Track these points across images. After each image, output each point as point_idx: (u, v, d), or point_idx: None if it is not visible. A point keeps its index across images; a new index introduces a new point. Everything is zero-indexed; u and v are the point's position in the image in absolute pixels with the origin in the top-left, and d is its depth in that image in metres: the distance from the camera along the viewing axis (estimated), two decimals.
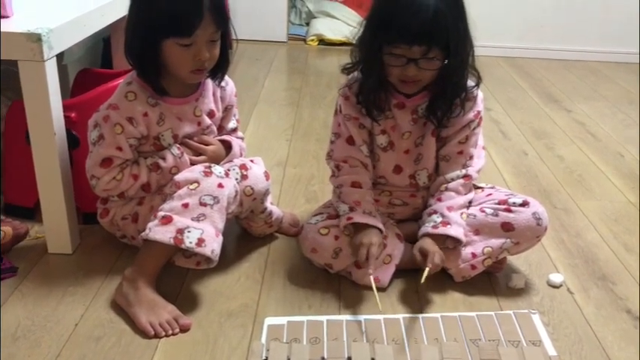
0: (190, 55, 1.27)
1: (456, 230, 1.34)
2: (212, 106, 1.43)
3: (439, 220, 1.35)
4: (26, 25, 1.29)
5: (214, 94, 1.44)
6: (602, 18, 3.65)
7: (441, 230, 1.33)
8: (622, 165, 2.17)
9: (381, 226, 1.36)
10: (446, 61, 1.28)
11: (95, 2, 1.58)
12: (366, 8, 4.48)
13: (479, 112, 1.40)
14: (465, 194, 1.41)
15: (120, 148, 1.33)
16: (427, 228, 1.35)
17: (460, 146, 1.41)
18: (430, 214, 1.38)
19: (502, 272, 1.45)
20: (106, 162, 1.34)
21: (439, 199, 1.40)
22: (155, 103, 1.35)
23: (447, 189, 1.40)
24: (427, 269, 1.26)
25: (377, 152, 1.44)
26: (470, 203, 1.43)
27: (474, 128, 1.41)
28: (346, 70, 1.41)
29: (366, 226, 1.34)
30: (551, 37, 3.73)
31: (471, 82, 1.36)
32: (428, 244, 1.31)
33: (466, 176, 1.41)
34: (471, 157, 1.42)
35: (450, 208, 1.37)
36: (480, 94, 1.39)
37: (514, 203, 1.39)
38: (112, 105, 1.33)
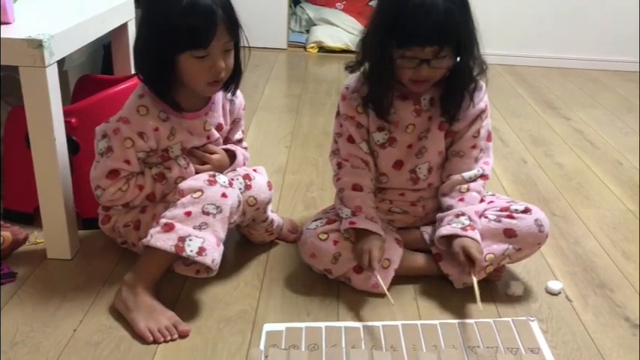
0: (206, 67, 1.26)
1: (479, 236, 1.34)
2: (221, 120, 1.43)
3: (467, 223, 1.34)
4: (27, 31, 1.29)
5: (224, 108, 1.44)
6: (601, 26, 3.66)
7: (471, 234, 1.32)
8: (620, 173, 2.18)
9: (382, 232, 1.36)
10: (458, 59, 1.28)
11: (96, 9, 1.59)
12: (366, 16, 4.49)
13: (486, 103, 1.41)
14: (483, 197, 1.42)
15: (128, 162, 1.33)
16: (456, 229, 1.33)
17: (473, 140, 1.42)
18: (458, 216, 1.36)
19: (501, 280, 1.45)
20: (113, 174, 1.33)
21: (462, 200, 1.39)
22: (166, 117, 1.34)
23: (469, 189, 1.40)
24: (476, 284, 1.27)
25: (375, 150, 1.43)
26: None
27: (484, 119, 1.42)
28: (350, 67, 1.40)
29: (367, 232, 1.35)
30: (550, 45, 3.74)
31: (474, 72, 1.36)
32: (469, 244, 1.30)
33: (483, 176, 1.42)
34: (482, 150, 1.43)
35: (477, 213, 1.37)
36: (483, 84, 1.40)
37: (516, 210, 1.39)
38: (122, 118, 1.32)
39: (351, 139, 1.42)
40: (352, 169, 1.42)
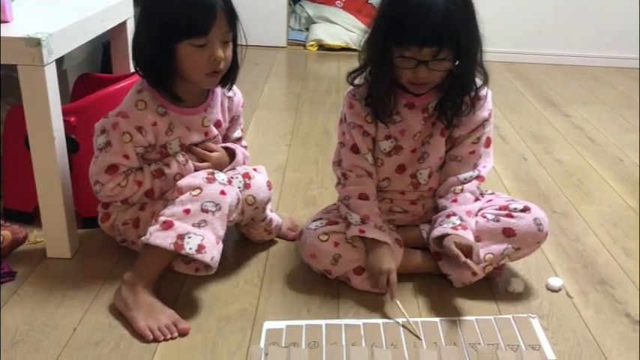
0: (206, 57, 1.26)
1: (471, 236, 1.33)
2: (219, 116, 1.43)
3: (458, 222, 1.34)
4: (26, 29, 1.29)
5: (222, 105, 1.44)
6: (601, 23, 3.66)
7: (461, 233, 1.32)
8: (621, 169, 2.18)
9: (389, 240, 1.36)
10: (457, 62, 1.27)
11: (95, 7, 1.58)
12: (366, 14, 4.46)
13: (491, 111, 1.40)
14: (477, 196, 1.42)
15: (127, 157, 1.33)
16: (446, 229, 1.33)
17: (473, 146, 1.41)
18: (449, 216, 1.36)
19: (501, 277, 1.45)
20: (112, 169, 1.33)
21: (455, 201, 1.39)
22: (164, 112, 1.34)
23: (462, 190, 1.40)
24: (473, 267, 1.28)
25: (380, 157, 1.43)
26: None
27: (486, 127, 1.41)
28: (351, 75, 1.38)
29: (376, 242, 1.35)
30: (550, 42, 3.74)
31: (478, 81, 1.35)
32: (462, 238, 1.29)
33: (479, 177, 1.41)
34: (480, 156, 1.42)
35: (469, 213, 1.36)
36: (488, 92, 1.39)
37: (515, 209, 1.39)
38: (121, 113, 1.33)
39: (355, 149, 1.41)
40: (357, 179, 1.41)
